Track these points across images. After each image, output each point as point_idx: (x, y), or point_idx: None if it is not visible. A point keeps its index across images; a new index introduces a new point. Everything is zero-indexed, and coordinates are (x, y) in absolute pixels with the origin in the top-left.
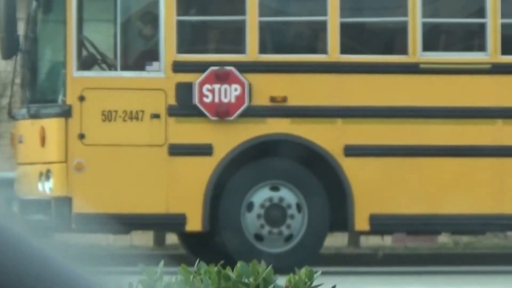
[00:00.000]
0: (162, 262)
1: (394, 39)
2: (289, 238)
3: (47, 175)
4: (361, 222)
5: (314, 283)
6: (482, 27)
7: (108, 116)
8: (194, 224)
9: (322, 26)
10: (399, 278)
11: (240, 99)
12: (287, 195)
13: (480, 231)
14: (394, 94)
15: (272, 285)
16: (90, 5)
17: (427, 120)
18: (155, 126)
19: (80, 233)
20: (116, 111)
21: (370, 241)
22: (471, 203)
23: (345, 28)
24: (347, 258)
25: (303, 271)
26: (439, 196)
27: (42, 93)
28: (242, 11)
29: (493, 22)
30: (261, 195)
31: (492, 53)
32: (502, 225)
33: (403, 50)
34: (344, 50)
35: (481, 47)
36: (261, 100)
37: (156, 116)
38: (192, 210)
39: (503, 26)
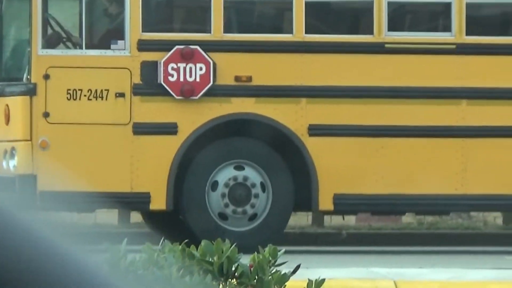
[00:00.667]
0: (125, 240)
1: (359, 19)
2: (253, 217)
3: (11, 153)
4: (325, 202)
5: (278, 261)
6: (447, 7)
7: (73, 95)
8: (159, 203)
9: (288, 5)
10: (363, 258)
11: (205, 78)
12: (252, 174)
13: (444, 211)
14: (359, 74)
15: (236, 264)
16: None
17: (392, 100)
18: (120, 105)
19: (44, 211)
20: (81, 90)
21: (334, 221)
22: (436, 184)
23: (310, 8)
24: (311, 238)
25: (267, 249)
26: (403, 176)
27: (7, 71)
28: None
29: (458, 2)
30: (226, 174)
31: (457, 34)
32: (466, 206)
33: (369, 30)
34: (309, 30)
35: (446, 28)
36: (226, 79)
37: (121, 95)
38: (156, 189)
39: (468, 6)
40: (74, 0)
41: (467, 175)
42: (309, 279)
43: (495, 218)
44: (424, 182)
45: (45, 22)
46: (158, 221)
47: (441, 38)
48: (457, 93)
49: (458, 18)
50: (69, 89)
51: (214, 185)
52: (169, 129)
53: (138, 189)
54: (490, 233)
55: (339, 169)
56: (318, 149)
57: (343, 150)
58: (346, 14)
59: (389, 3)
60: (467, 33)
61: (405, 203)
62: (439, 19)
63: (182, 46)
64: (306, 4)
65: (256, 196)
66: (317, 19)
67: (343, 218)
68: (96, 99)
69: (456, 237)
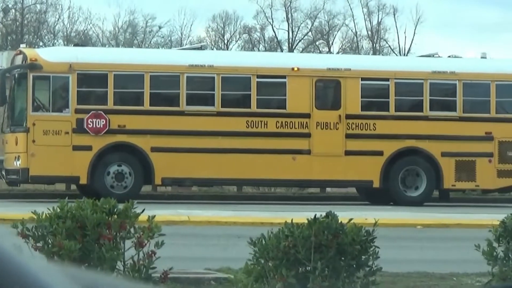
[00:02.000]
0: None
1: None
2: None
3: (18, 158)
4: None
5: None
6: None
7: (45, 132)
8: None
9: None
10: None
11: None
12: None
13: None
14: None
15: None
16: None
17: None
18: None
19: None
20: (49, 130)
21: None
22: None
23: None
24: None
25: None
26: None
27: (16, 121)
28: None
29: None
30: None
31: None
32: None
33: None
34: None
35: None
36: None
37: None
38: None
39: None
40: (46, 90)
41: None
42: None
43: None
44: None
45: (33, 100)
46: None
47: None
48: None
49: None
50: (44, 130)
51: None
52: None
53: None
54: None
55: None
56: None
57: None
58: None
59: None
60: None
61: None
62: None
63: None
64: None
65: None
66: None
67: None
68: (53, 135)
69: None
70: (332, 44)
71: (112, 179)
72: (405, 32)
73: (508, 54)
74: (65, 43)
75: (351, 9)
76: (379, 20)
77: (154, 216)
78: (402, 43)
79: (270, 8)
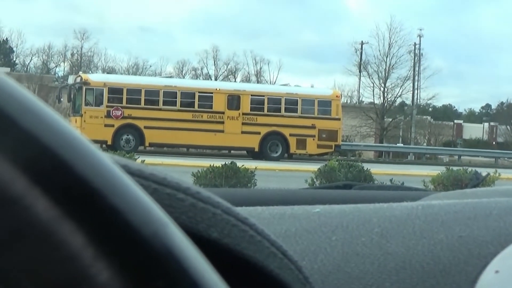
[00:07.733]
0: None
1: None
2: None
3: None
4: None
5: None
6: None
7: (91, 117)
8: None
9: None
10: None
11: None
12: None
13: None
14: None
15: None
16: None
17: None
18: None
19: None
20: (93, 117)
21: None
22: None
23: None
24: None
25: None
26: None
27: (76, 110)
28: None
29: None
30: None
31: None
32: None
33: None
34: None
35: None
36: None
37: None
38: None
39: None
40: (91, 95)
41: None
42: None
43: None
44: None
45: (85, 100)
46: None
47: None
48: None
49: None
50: (90, 115)
51: None
52: None
53: None
54: None
55: None
56: None
57: None
58: None
59: None
60: None
61: None
62: None
63: None
64: None
65: None
66: None
67: None
68: (94, 118)
69: None
70: (236, 78)
71: (123, 142)
72: (273, 72)
73: (326, 86)
74: (102, 72)
75: (247, 60)
76: (261, 66)
77: (144, 160)
78: (273, 78)
79: (206, 58)
